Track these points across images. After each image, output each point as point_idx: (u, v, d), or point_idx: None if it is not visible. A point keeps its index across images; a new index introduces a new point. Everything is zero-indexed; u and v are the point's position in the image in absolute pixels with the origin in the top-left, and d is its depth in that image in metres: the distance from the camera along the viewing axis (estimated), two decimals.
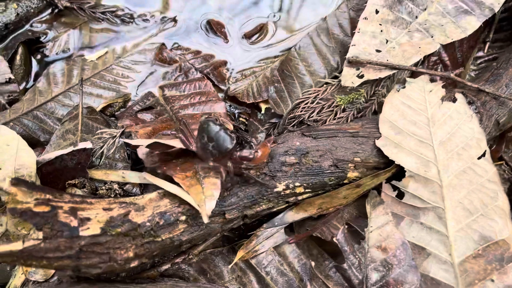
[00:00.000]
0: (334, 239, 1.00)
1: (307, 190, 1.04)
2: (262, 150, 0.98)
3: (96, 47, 1.45)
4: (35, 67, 1.43)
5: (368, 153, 1.06)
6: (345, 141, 1.06)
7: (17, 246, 0.86)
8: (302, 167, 1.03)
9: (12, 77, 1.35)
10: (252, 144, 1.19)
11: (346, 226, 1.01)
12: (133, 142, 1.05)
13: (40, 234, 0.88)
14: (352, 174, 1.05)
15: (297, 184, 1.03)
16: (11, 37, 1.44)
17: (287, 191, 1.03)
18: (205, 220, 0.93)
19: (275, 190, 1.02)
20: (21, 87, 1.38)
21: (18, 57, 1.40)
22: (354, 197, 1.06)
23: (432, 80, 1.13)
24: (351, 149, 1.05)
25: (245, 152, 0.97)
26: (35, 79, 1.40)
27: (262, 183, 0.99)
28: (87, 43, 1.46)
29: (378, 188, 1.09)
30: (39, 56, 1.44)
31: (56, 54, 1.43)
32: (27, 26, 1.45)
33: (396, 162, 1.03)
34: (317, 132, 1.07)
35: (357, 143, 1.06)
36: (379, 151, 1.06)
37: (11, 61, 1.39)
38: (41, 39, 1.45)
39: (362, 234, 1.05)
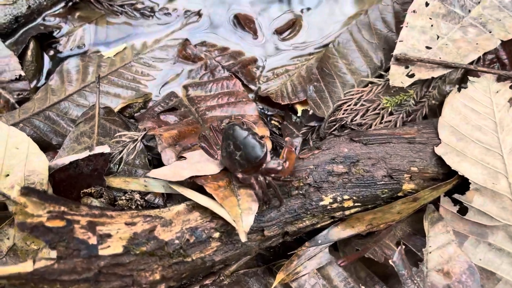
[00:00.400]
0: (390, 261, 0.87)
1: (356, 204, 0.91)
2: (290, 159, 0.85)
3: (114, 43, 1.33)
4: (47, 64, 1.32)
5: (427, 162, 0.92)
6: (400, 148, 0.93)
7: (26, 267, 0.74)
8: (351, 177, 0.90)
9: (23, 73, 1.23)
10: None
11: (402, 246, 0.88)
12: (158, 174, 0.92)
13: (54, 253, 0.75)
14: (407, 186, 0.92)
15: (345, 197, 0.90)
16: (21, 31, 1.32)
17: (334, 205, 0.90)
18: (243, 238, 0.80)
19: (321, 203, 0.89)
20: (32, 85, 1.27)
21: (29, 53, 1.28)
22: (409, 213, 0.93)
23: (499, 79, 1.00)
24: (407, 157, 0.92)
25: (272, 164, 0.84)
26: (47, 77, 1.29)
27: (281, 199, 0.87)
28: (103, 38, 1.34)
29: (435, 202, 0.96)
30: (51, 52, 1.33)
31: (71, 50, 1.32)
32: (39, 20, 1.34)
33: (459, 173, 0.90)
34: (367, 137, 0.94)
35: (414, 150, 0.93)
36: (439, 159, 0.93)
37: (21, 57, 1.28)
38: (54, 34, 1.34)
39: (419, 255, 0.92)
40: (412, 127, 0.97)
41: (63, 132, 1.17)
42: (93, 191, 0.99)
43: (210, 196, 0.88)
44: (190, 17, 1.35)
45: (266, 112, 1.20)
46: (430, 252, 0.89)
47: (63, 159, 1.02)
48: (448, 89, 1.15)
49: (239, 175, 0.88)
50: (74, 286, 0.75)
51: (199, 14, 1.35)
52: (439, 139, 0.94)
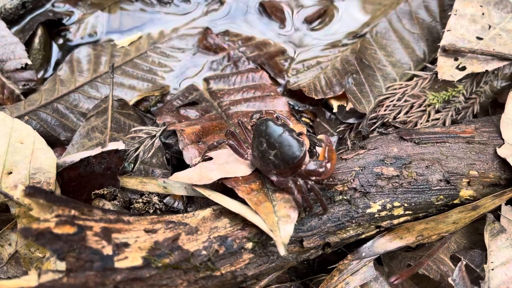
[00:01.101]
0: (449, 280, 0.75)
1: (407, 212, 0.80)
2: (332, 158, 0.74)
3: (128, 31, 1.23)
4: (56, 53, 1.21)
5: (488, 165, 0.81)
6: (457, 148, 0.81)
7: (30, 281, 0.63)
8: (403, 181, 0.79)
9: (29, 62, 1.13)
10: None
11: (463, 262, 0.76)
12: (182, 177, 0.81)
13: (62, 265, 0.64)
14: (465, 193, 0.81)
15: (396, 204, 0.78)
16: (29, 17, 1.23)
17: (383, 213, 0.78)
18: (282, 251, 0.69)
19: (368, 211, 0.77)
20: (39, 75, 1.17)
21: (36, 40, 1.18)
22: (465, 223, 0.82)
23: None
24: (466, 159, 0.81)
25: (313, 165, 0.73)
26: (56, 67, 1.18)
27: (325, 206, 0.75)
28: (117, 26, 1.24)
29: (494, 212, 0.84)
30: (61, 41, 1.22)
31: (81, 38, 1.21)
32: (48, 6, 1.25)
33: None
34: (419, 136, 0.82)
35: (473, 151, 0.81)
36: (502, 162, 0.81)
37: (28, 45, 1.18)
38: (64, 21, 1.24)
39: (477, 271, 0.80)
40: (469, 125, 0.85)
41: (73, 127, 1.06)
42: (105, 192, 0.88)
43: (240, 200, 0.77)
44: (212, 4, 1.24)
45: (296, 108, 1.09)
46: (492, 269, 0.78)
47: (73, 156, 0.91)
48: (501, 85, 1.04)
49: (274, 178, 0.77)
50: None
51: (221, 1, 1.24)
52: (502, 139, 0.82)
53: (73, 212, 0.68)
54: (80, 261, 0.64)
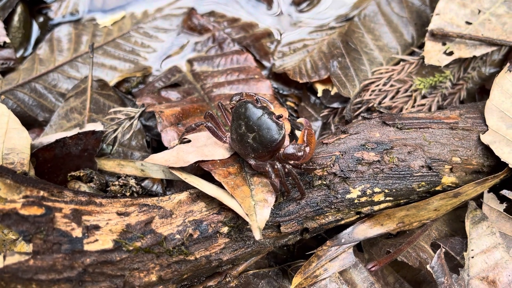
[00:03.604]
0: (427, 267, 0.74)
1: (387, 199, 0.78)
2: (311, 142, 0.72)
3: (111, 11, 1.19)
4: (36, 32, 1.18)
5: (471, 152, 0.79)
6: (440, 134, 0.80)
7: None
8: (384, 167, 0.77)
9: (8, 40, 1.09)
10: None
11: (442, 250, 0.75)
12: (158, 159, 0.78)
13: (29, 247, 0.62)
14: (447, 179, 0.79)
15: (376, 189, 0.77)
16: None
17: (363, 199, 0.77)
18: (257, 235, 0.67)
19: (348, 196, 0.76)
20: (18, 54, 1.13)
21: (16, 18, 1.14)
22: (447, 210, 0.80)
23: None
24: (449, 145, 0.79)
25: (292, 148, 0.71)
26: (36, 47, 1.14)
27: (302, 190, 0.73)
28: (100, 5, 1.20)
29: (476, 199, 0.83)
30: (41, 19, 1.19)
31: (63, 17, 1.18)
32: None
33: (509, 165, 0.77)
34: (402, 121, 0.80)
35: (456, 137, 0.79)
36: (485, 149, 0.80)
37: (7, 23, 1.14)
38: None
39: (457, 259, 0.79)
40: (454, 110, 0.83)
41: (51, 107, 1.03)
42: (82, 174, 0.86)
43: (217, 184, 0.75)
44: None
45: (280, 92, 1.07)
46: (472, 257, 0.77)
47: (49, 136, 0.89)
48: (489, 71, 1.02)
49: (252, 162, 0.75)
50: (54, 286, 0.62)
51: None
52: (486, 125, 0.81)
53: (41, 193, 0.66)
54: (48, 243, 0.63)
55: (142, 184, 0.91)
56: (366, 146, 0.78)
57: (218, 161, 0.77)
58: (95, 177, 0.87)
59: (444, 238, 0.83)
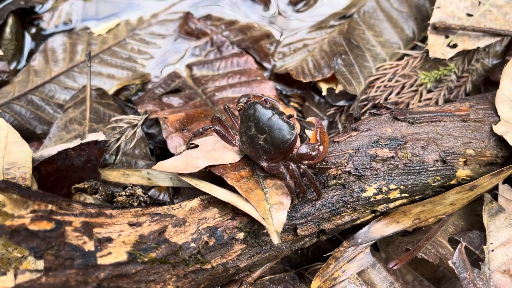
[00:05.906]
0: (449, 263, 0.72)
1: (403, 195, 0.77)
2: (324, 141, 0.71)
3: (105, 19, 1.17)
4: (29, 43, 1.15)
5: (484, 144, 0.78)
6: (453, 127, 0.78)
7: (6, 282, 0.58)
8: (398, 163, 0.75)
9: (1, 53, 1.06)
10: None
11: (463, 244, 0.74)
12: (166, 166, 0.76)
13: (41, 263, 0.59)
14: (461, 173, 0.78)
15: (392, 186, 0.75)
16: None
17: (379, 197, 0.75)
18: (275, 240, 0.65)
19: (363, 195, 0.74)
20: (12, 67, 1.10)
21: (7, 30, 1.11)
22: (463, 204, 0.79)
23: None
24: (462, 138, 0.78)
25: (306, 148, 0.69)
26: (29, 58, 1.12)
27: (319, 191, 0.71)
28: (93, 13, 1.18)
29: (492, 191, 0.82)
30: (33, 30, 1.16)
31: (55, 27, 1.15)
32: None
33: None
34: (413, 115, 0.79)
35: (469, 129, 0.78)
36: (498, 140, 0.79)
37: None
38: (36, 9, 1.17)
39: (476, 253, 0.78)
40: (464, 102, 0.82)
41: (49, 119, 1.00)
42: (86, 186, 0.83)
43: (229, 189, 0.73)
44: None
45: (283, 93, 1.05)
46: (492, 250, 0.75)
47: (50, 149, 0.86)
48: (491, 63, 1.02)
49: (264, 164, 0.73)
50: None
51: None
52: (498, 116, 0.80)
53: (50, 207, 0.63)
54: (60, 259, 0.60)
55: (149, 193, 0.88)
56: (379, 142, 0.76)
57: (229, 165, 0.75)
58: (100, 188, 0.84)
59: (461, 232, 0.81)
